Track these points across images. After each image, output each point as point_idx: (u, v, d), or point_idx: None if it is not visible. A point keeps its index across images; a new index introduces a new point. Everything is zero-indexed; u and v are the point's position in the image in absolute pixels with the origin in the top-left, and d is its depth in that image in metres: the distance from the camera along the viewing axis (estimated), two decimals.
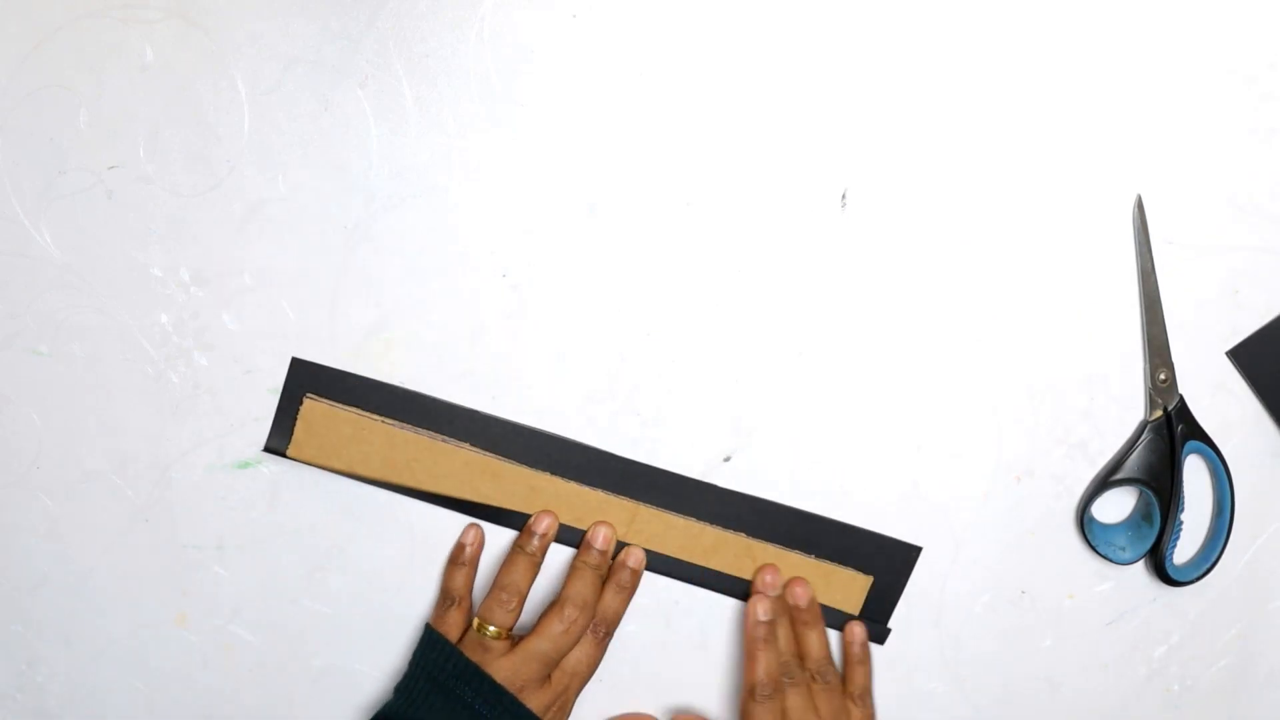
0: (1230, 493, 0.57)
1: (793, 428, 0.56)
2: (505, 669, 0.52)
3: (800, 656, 0.56)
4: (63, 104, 0.52)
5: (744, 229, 0.54)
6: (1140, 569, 0.58)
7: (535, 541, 0.55)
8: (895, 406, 0.56)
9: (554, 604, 0.54)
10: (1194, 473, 0.58)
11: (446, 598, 0.55)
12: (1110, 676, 0.59)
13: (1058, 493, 0.57)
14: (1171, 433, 0.56)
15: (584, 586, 0.54)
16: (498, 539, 0.56)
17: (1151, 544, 0.57)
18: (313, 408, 0.54)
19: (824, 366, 0.55)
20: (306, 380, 0.54)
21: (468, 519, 0.56)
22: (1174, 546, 0.57)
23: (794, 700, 0.54)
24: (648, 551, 0.56)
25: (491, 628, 0.53)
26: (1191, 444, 0.56)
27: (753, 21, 0.52)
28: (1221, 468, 0.57)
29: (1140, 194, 0.55)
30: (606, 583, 0.55)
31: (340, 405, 0.54)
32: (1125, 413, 0.57)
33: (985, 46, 0.53)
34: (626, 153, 0.53)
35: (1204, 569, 0.57)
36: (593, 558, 0.55)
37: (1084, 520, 0.57)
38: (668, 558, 0.56)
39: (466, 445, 0.55)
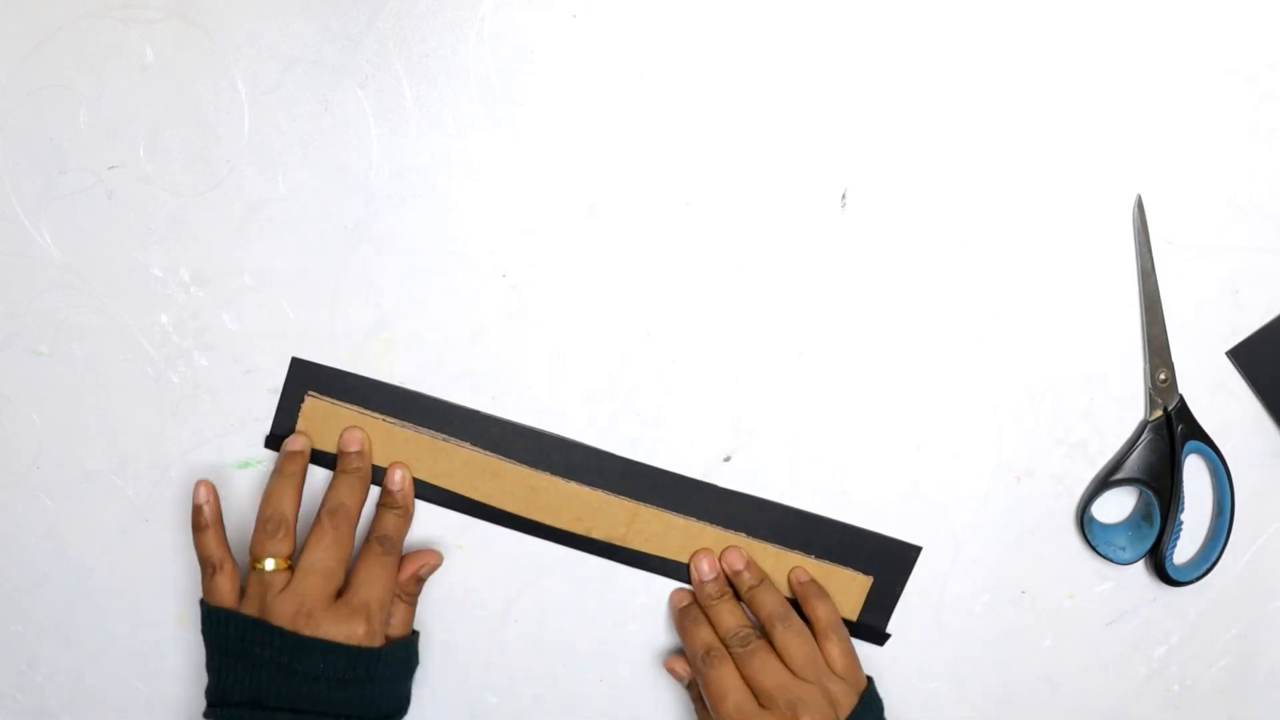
0: (1230, 493, 0.57)
1: (793, 428, 0.56)
2: (289, 599, 0.50)
3: (757, 616, 0.54)
4: (63, 104, 0.52)
5: (744, 229, 0.54)
6: (1140, 569, 0.58)
7: (292, 463, 0.53)
8: (895, 406, 0.56)
9: (316, 518, 0.52)
10: (1194, 473, 0.58)
11: (207, 566, 0.52)
12: (1110, 676, 0.59)
13: (1058, 493, 0.57)
14: (1171, 433, 0.56)
15: (341, 493, 0.53)
16: (502, 541, 0.56)
17: (1151, 544, 0.57)
18: (314, 405, 0.54)
19: (824, 366, 0.55)
20: (307, 379, 0.54)
21: (453, 513, 0.56)
22: (1174, 546, 0.57)
23: (757, 662, 0.51)
24: (649, 555, 0.56)
25: (268, 562, 0.51)
26: (1191, 444, 0.56)
27: (753, 21, 0.52)
28: (1221, 468, 0.57)
29: (1140, 194, 0.55)
30: (379, 505, 0.54)
31: (341, 403, 0.54)
32: (1125, 413, 0.57)
33: (985, 47, 0.53)
34: (626, 153, 0.53)
35: (1204, 569, 0.57)
36: (350, 462, 0.54)
37: (1084, 520, 0.57)
38: (667, 560, 0.56)
39: (466, 444, 0.55)
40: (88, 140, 0.52)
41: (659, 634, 0.58)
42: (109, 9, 0.51)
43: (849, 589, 0.57)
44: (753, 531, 0.56)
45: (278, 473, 0.53)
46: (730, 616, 0.54)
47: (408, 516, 0.55)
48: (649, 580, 0.57)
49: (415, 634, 0.55)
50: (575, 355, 0.55)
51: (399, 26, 0.51)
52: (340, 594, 0.51)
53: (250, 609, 0.50)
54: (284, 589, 0.50)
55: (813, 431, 0.56)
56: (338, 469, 0.54)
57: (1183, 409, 0.56)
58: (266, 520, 0.52)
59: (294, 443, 0.54)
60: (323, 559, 0.51)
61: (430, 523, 0.56)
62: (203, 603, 0.52)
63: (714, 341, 0.55)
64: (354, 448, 0.54)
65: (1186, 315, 0.56)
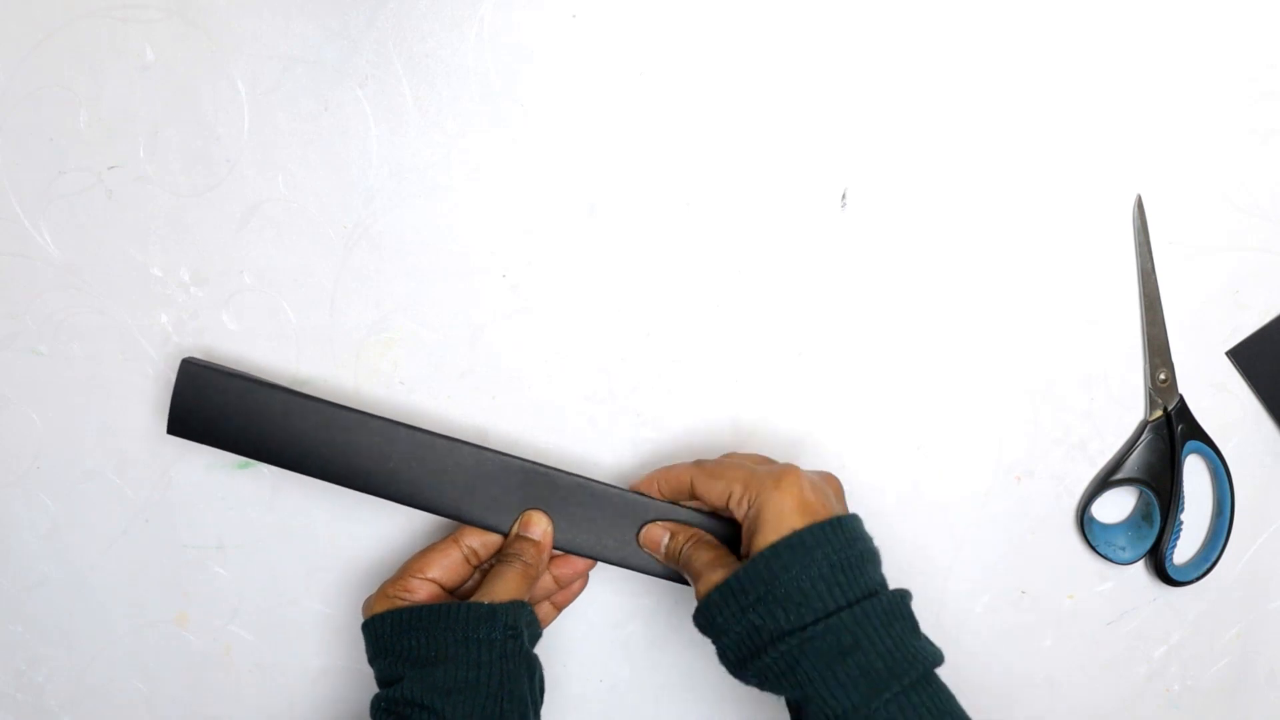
0: (1230, 493, 0.57)
1: (793, 428, 0.56)
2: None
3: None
4: (63, 104, 0.52)
5: (744, 229, 0.54)
6: (1140, 569, 0.58)
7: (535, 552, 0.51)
8: (895, 406, 0.56)
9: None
10: (1194, 473, 0.58)
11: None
12: (1110, 676, 0.59)
13: (1058, 493, 0.57)
14: (1171, 433, 0.56)
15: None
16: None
17: (1151, 544, 0.57)
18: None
19: (824, 366, 0.55)
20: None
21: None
22: (1174, 546, 0.57)
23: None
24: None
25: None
26: (1191, 444, 0.56)
27: (753, 22, 0.52)
28: (1221, 468, 0.57)
29: (1140, 194, 0.55)
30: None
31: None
32: (1125, 413, 0.57)
33: (985, 47, 0.53)
34: (626, 153, 0.53)
35: (1204, 569, 0.58)
36: (525, 551, 0.51)
37: (1084, 520, 0.57)
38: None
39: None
40: (88, 140, 0.52)
41: (659, 634, 0.58)
42: (109, 9, 0.51)
43: None
44: None
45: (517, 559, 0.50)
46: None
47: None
48: (649, 580, 0.57)
49: None
50: (575, 355, 0.55)
51: (399, 26, 0.51)
52: None
53: None
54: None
55: (812, 431, 0.56)
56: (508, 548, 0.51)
57: (1183, 409, 0.56)
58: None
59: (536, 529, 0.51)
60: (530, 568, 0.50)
61: (430, 522, 0.56)
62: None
63: (714, 341, 0.55)
64: (534, 535, 0.51)
65: (1186, 315, 0.56)
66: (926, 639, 0.46)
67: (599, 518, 0.52)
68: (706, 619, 0.47)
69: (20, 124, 0.52)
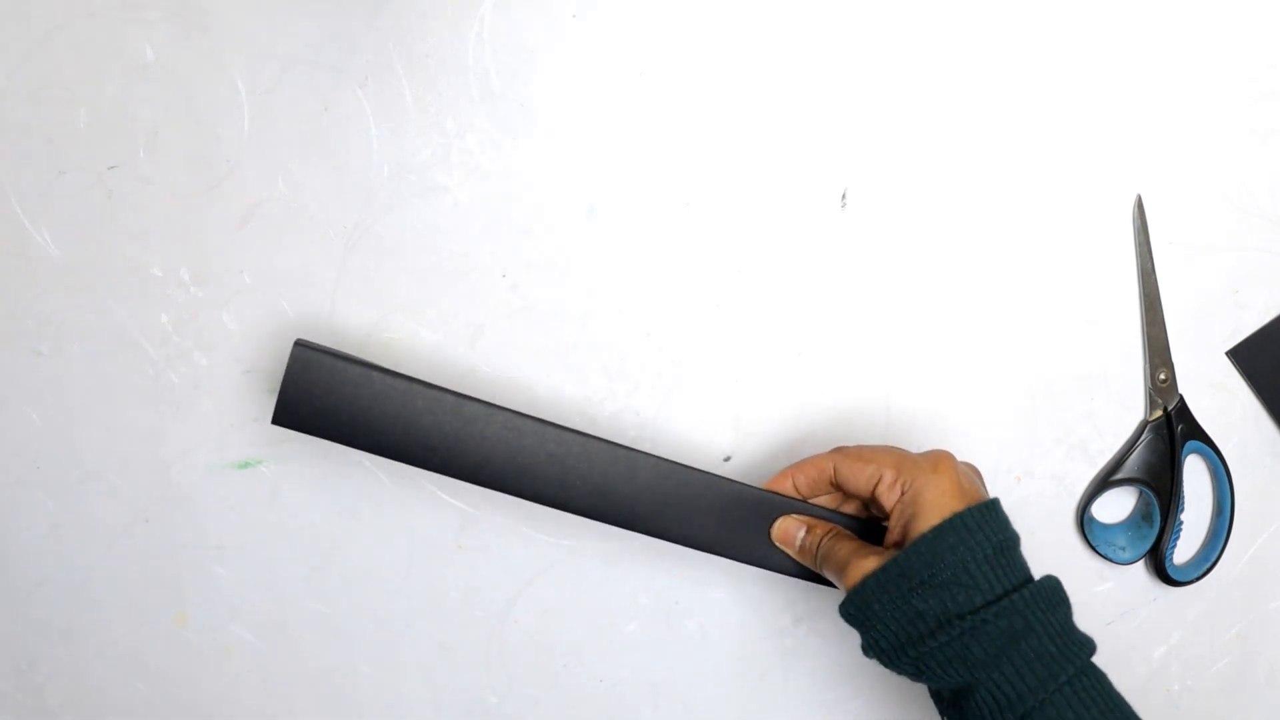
0: (1230, 493, 0.57)
1: (793, 428, 0.56)
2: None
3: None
4: (63, 104, 0.52)
5: (744, 229, 0.54)
6: (1140, 569, 0.58)
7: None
8: (896, 406, 0.56)
9: None
10: (1194, 473, 0.58)
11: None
12: (1110, 676, 0.59)
13: (1058, 493, 0.57)
14: (1171, 432, 0.56)
15: None
16: None
17: (1151, 544, 0.57)
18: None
19: (824, 366, 0.55)
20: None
21: (451, 513, 0.56)
22: (1174, 546, 0.57)
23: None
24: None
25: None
26: (1191, 444, 0.56)
27: (753, 22, 0.52)
28: (1221, 468, 0.57)
29: (1140, 194, 0.55)
30: None
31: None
32: (1125, 413, 0.57)
33: (985, 47, 0.53)
34: (626, 153, 0.53)
35: (1204, 569, 0.58)
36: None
37: (1084, 520, 0.57)
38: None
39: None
40: (88, 140, 0.52)
41: (659, 633, 0.58)
42: (109, 9, 0.51)
43: None
44: None
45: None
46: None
47: None
48: (649, 580, 0.57)
49: None
50: (575, 355, 0.55)
51: (399, 26, 0.51)
52: None
53: None
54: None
55: (813, 431, 0.56)
56: None
57: (1183, 409, 0.56)
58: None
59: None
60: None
61: (429, 522, 0.56)
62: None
63: (714, 341, 0.55)
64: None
65: (1186, 315, 0.56)
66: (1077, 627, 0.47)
67: (731, 514, 0.50)
68: (860, 607, 0.46)
69: (20, 124, 0.52)
